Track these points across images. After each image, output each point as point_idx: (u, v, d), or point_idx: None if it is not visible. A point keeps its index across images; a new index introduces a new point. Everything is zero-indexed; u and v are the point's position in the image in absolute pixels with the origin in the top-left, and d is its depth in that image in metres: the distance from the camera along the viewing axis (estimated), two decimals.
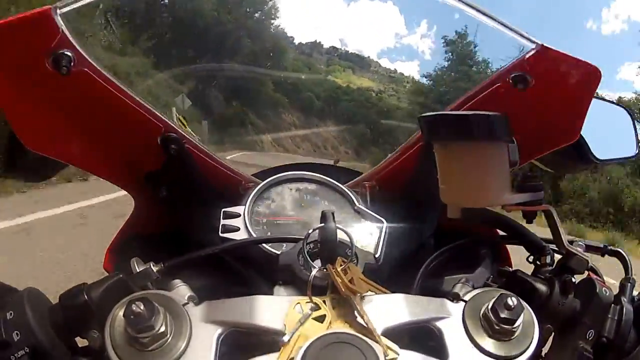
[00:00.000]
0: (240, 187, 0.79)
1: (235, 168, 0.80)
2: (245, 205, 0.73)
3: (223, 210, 0.71)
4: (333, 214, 0.55)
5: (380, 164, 0.81)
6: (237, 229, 0.70)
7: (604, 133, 0.88)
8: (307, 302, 0.49)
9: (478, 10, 0.73)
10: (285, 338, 0.46)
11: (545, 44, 0.64)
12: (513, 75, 0.65)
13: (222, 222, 0.70)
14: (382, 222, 0.72)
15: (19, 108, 0.60)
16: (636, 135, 0.92)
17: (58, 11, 0.56)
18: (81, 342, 0.52)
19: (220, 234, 0.69)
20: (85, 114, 0.64)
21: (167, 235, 0.73)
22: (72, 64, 0.58)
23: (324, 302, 0.49)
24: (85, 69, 0.60)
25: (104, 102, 0.64)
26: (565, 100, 0.67)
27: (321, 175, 0.79)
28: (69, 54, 0.57)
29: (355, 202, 0.76)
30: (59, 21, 0.56)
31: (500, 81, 0.67)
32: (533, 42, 0.65)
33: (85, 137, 0.66)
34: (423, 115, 0.57)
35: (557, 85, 0.65)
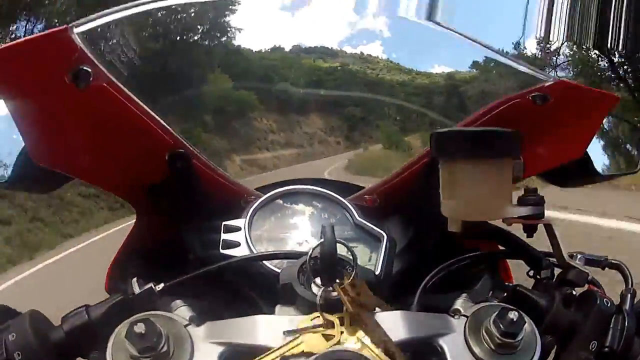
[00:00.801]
0: (242, 201, 0.80)
1: (239, 182, 0.81)
2: (245, 218, 0.73)
3: (224, 223, 0.72)
4: (333, 227, 0.55)
5: (383, 179, 0.82)
6: (238, 245, 0.70)
7: (607, 147, 0.88)
8: (311, 320, 0.50)
9: (496, 52, 0.78)
10: (285, 354, 0.47)
11: (563, 79, 0.67)
12: (533, 95, 0.67)
13: (223, 236, 0.70)
14: (383, 236, 0.72)
15: (31, 122, 0.61)
16: (639, 148, 0.92)
17: (74, 29, 0.58)
18: None
19: (221, 250, 0.69)
20: (98, 128, 0.66)
21: (167, 251, 0.73)
22: (90, 79, 0.59)
23: (329, 319, 0.50)
24: (104, 84, 0.61)
25: (118, 116, 0.65)
26: (579, 120, 0.68)
27: (322, 189, 0.80)
28: (88, 69, 0.59)
29: (356, 215, 0.76)
30: (76, 38, 0.57)
31: (520, 98, 0.68)
32: (550, 78, 0.67)
33: (94, 150, 0.68)
34: (436, 131, 0.59)
35: (573, 104, 0.67)
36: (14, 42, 0.56)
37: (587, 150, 0.78)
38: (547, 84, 0.66)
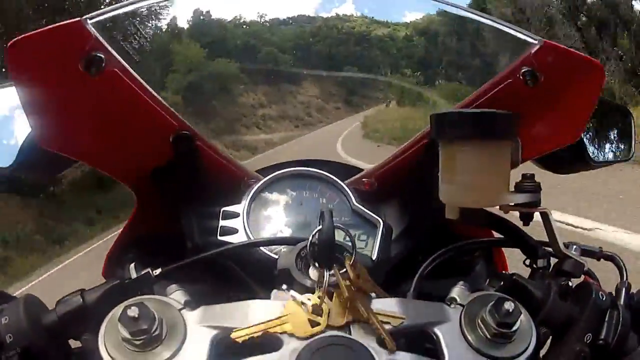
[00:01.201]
0: (242, 184, 0.79)
1: (240, 164, 0.81)
2: (244, 204, 0.73)
3: (222, 209, 0.71)
4: (332, 213, 0.54)
5: (382, 161, 0.82)
6: (236, 231, 0.70)
7: (602, 135, 0.89)
8: (305, 303, 0.49)
9: (477, 14, 0.76)
10: (282, 339, 0.46)
11: (546, 40, 0.65)
12: (523, 70, 0.66)
13: (221, 223, 0.70)
14: (379, 222, 0.72)
15: (41, 107, 0.61)
16: (634, 137, 0.92)
17: (89, 21, 0.59)
18: (76, 345, 0.53)
19: (219, 237, 0.69)
20: (106, 112, 0.66)
21: (166, 237, 0.73)
22: (103, 65, 0.60)
23: (323, 304, 0.49)
24: (115, 69, 0.62)
25: (126, 101, 0.65)
26: (572, 99, 0.67)
27: (320, 172, 0.79)
28: (101, 56, 0.60)
29: (354, 200, 0.76)
30: (91, 28, 0.59)
31: (512, 77, 0.68)
32: (535, 39, 0.65)
33: (100, 134, 0.68)
34: (435, 113, 0.57)
35: (563, 82, 0.66)
36: (31, 32, 0.58)
37: (583, 137, 0.78)
38: (533, 51, 0.65)
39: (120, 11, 0.65)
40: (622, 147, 0.92)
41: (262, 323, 0.47)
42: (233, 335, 0.46)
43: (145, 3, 0.70)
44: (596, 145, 0.87)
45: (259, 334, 0.46)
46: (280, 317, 0.48)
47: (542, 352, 0.53)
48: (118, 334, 0.45)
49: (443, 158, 0.58)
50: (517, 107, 0.61)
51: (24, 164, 0.72)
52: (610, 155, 0.91)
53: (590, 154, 0.83)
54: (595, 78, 0.66)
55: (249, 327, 0.47)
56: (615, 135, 0.91)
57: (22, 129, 0.70)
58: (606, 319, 0.52)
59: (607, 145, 0.91)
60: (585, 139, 0.81)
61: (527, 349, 0.49)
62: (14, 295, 0.55)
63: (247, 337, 0.46)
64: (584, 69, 0.65)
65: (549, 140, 0.73)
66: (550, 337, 0.53)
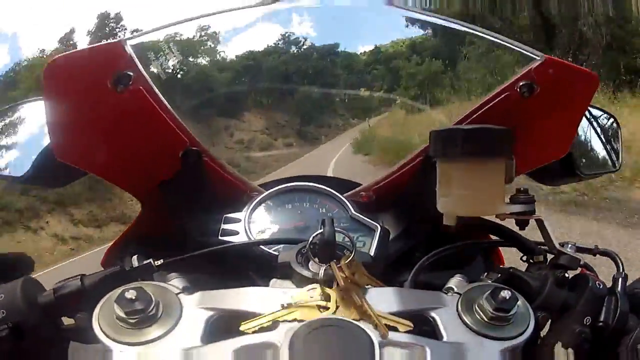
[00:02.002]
0: (245, 196, 0.82)
1: (244, 178, 0.84)
2: (245, 211, 0.76)
3: (224, 215, 0.74)
4: (332, 220, 0.57)
5: (380, 177, 0.85)
6: (237, 233, 0.72)
7: (590, 145, 0.92)
8: (308, 291, 0.51)
9: (483, 33, 0.80)
10: (278, 319, 0.47)
11: (548, 56, 0.69)
12: (521, 84, 0.69)
13: (223, 226, 0.73)
14: (376, 227, 0.74)
15: (64, 122, 0.65)
16: (621, 146, 0.96)
17: (128, 42, 0.64)
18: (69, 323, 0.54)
19: (220, 237, 0.72)
20: (123, 127, 0.69)
21: (168, 237, 0.75)
22: (130, 82, 0.64)
23: (322, 293, 0.50)
24: (140, 87, 0.66)
25: (145, 117, 0.69)
26: (563, 108, 0.70)
27: (320, 186, 0.82)
28: (130, 74, 0.64)
29: (352, 209, 0.79)
30: (128, 48, 0.64)
31: (509, 90, 0.70)
32: (537, 55, 0.69)
33: (113, 148, 0.71)
34: (434, 130, 0.61)
35: (558, 92, 0.69)
36: (70, 51, 0.63)
37: (571, 150, 0.82)
38: (534, 66, 0.68)
39: (160, 34, 0.70)
40: (611, 157, 0.95)
41: (271, 313, 0.48)
42: (242, 327, 0.47)
43: (183, 26, 0.74)
44: (584, 157, 0.91)
45: (269, 323, 0.47)
46: (289, 305, 0.49)
47: (542, 334, 0.53)
48: (113, 313, 0.46)
49: (440, 174, 0.61)
50: (510, 117, 0.64)
51: (37, 175, 0.76)
52: (599, 166, 0.94)
53: (579, 166, 0.86)
54: (588, 87, 0.69)
55: (258, 318, 0.47)
56: (603, 145, 0.94)
57: (38, 142, 0.75)
58: (604, 305, 0.53)
59: (596, 156, 0.94)
60: (573, 151, 0.85)
61: (525, 330, 0.49)
62: None
63: (257, 328, 0.47)
64: (580, 80, 0.69)
65: (540, 154, 0.76)
66: (549, 320, 0.54)
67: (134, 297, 0.46)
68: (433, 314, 0.51)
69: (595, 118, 0.94)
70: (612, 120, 0.98)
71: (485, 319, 0.49)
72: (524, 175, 0.83)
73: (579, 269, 0.62)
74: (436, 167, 0.62)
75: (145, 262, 0.56)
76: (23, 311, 0.49)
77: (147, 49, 0.74)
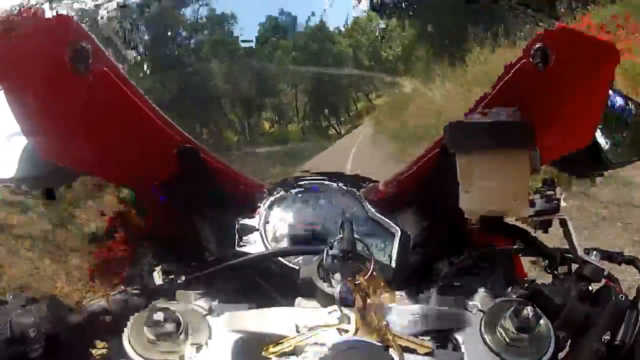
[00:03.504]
0: (256, 196, 0.80)
1: (251, 177, 0.82)
2: (260, 215, 0.75)
3: (240, 222, 0.73)
4: (352, 224, 0.56)
5: (395, 172, 0.82)
6: (254, 242, 0.72)
7: (617, 133, 0.88)
8: (329, 313, 0.51)
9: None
10: (300, 344, 0.48)
11: (561, 23, 0.65)
12: (535, 48, 0.65)
13: (238, 234, 0.72)
14: (397, 231, 0.73)
15: (34, 116, 0.60)
16: None
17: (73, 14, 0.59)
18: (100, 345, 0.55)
19: (237, 248, 0.71)
20: (103, 118, 0.65)
21: (184, 245, 0.75)
22: (90, 60, 0.58)
23: (346, 313, 0.51)
24: (105, 68, 0.60)
25: (122, 106, 0.64)
26: (584, 83, 0.65)
27: (335, 183, 0.81)
28: (86, 46, 0.58)
29: (371, 209, 0.78)
30: (75, 20, 0.58)
31: (524, 57, 0.66)
32: (550, 22, 0.66)
33: (100, 144, 0.67)
34: (449, 123, 0.58)
35: (574, 63, 0.64)
36: (11, 27, 0.56)
37: (596, 138, 0.78)
38: (545, 30, 0.64)
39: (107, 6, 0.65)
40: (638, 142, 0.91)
41: (293, 337, 0.49)
42: (265, 353, 0.48)
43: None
44: (611, 145, 0.87)
45: (291, 348, 0.48)
46: (310, 329, 0.49)
47: (561, 355, 0.54)
48: (143, 335, 0.47)
49: (461, 167, 0.59)
50: (530, 95, 0.61)
51: (27, 176, 0.71)
52: (627, 155, 0.90)
53: (606, 154, 0.83)
54: (609, 60, 0.63)
55: (281, 342, 0.48)
56: (630, 132, 0.90)
57: (18, 138, 0.66)
58: (625, 320, 0.53)
59: (623, 144, 0.90)
60: (599, 139, 0.81)
61: (545, 352, 0.50)
62: None
63: (280, 353, 0.48)
64: (597, 51, 0.63)
65: (564, 142, 0.73)
66: (569, 340, 0.54)
67: (162, 319, 0.47)
68: (456, 335, 0.51)
69: (620, 102, 0.89)
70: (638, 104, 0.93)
71: (507, 340, 0.50)
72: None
73: (604, 280, 0.61)
74: (455, 160, 0.60)
75: (168, 279, 0.57)
76: (54, 332, 0.50)
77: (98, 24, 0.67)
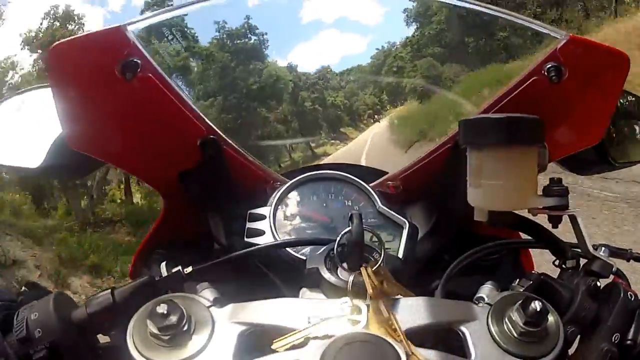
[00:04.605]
0: (267, 187, 0.80)
1: (266, 168, 0.81)
2: (270, 206, 0.74)
3: (249, 212, 0.73)
4: (361, 216, 0.55)
5: (407, 165, 0.82)
6: (263, 233, 0.71)
7: (624, 133, 0.88)
8: (340, 304, 0.50)
9: (502, 12, 0.75)
10: (309, 336, 0.46)
11: (572, 34, 0.65)
12: (548, 66, 0.66)
13: (248, 225, 0.71)
14: (405, 223, 0.72)
15: (74, 109, 0.64)
16: None
17: (128, 27, 0.62)
18: (104, 340, 0.54)
19: (246, 239, 0.70)
20: (137, 116, 0.68)
21: (193, 240, 0.74)
22: (138, 70, 0.63)
23: (356, 304, 0.50)
24: (149, 74, 0.64)
25: (158, 105, 0.67)
26: (596, 92, 0.67)
27: (346, 174, 0.80)
28: (137, 61, 0.63)
29: (379, 202, 0.77)
30: (130, 34, 0.62)
31: (536, 74, 0.67)
32: (560, 33, 0.65)
33: (129, 137, 0.69)
34: (464, 119, 0.58)
35: (588, 75, 0.66)
36: (71, 37, 0.61)
37: (604, 137, 0.78)
38: (559, 46, 0.65)
39: (160, 18, 0.67)
40: None
41: (303, 329, 0.47)
42: (274, 346, 0.46)
43: (183, 11, 0.72)
44: (618, 145, 0.87)
45: (301, 340, 0.47)
46: (321, 320, 0.48)
47: (570, 350, 0.53)
48: (146, 329, 0.46)
49: (471, 163, 0.59)
50: (541, 105, 0.61)
51: (53, 166, 0.74)
52: (633, 155, 0.91)
53: (613, 154, 0.83)
54: (619, 68, 0.65)
55: (290, 335, 0.47)
56: (637, 131, 0.90)
57: (51, 130, 0.72)
58: (635, 319, 0.52)
59: (630, 144, 0.90)
60: (606, 139, 0.81)
61: (554, 348, 0.49)
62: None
63: (289, 346, 0.46)
64: (610, 60, 0.65)
65: (573, 141, 0.73)
66: (579, 335, 0.53)
67: (165, 312, 0.45)
68: (463, 329, 0.50)
69: (628, 103, 0.90)
70: None
71: (515, 334, 0.49)
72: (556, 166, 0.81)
73: (612, 277, 0.60)
74: (466, 156, 0.59)
75: (174, 270, 0.56)
76: (58, 330, 0.48)
77: (150, 34, 0.72)
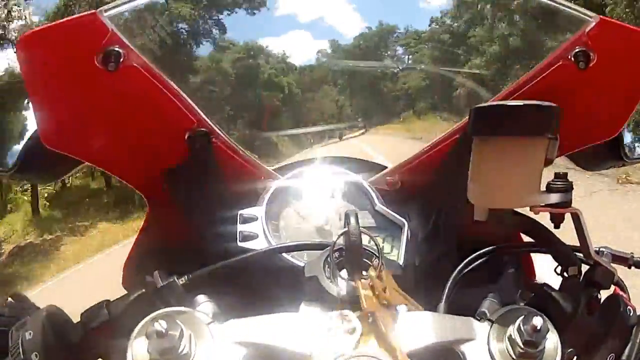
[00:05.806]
0: (259, 183, 0.76)
1: (258, 162, 0.77)
2: (262, 206, 0.71)
3: (240, 213, 0.69)
4: (357, 215, 0.53)
5: (407, 159, 0.79)
6: (256, 236, 0.68)
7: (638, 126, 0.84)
8: (336, 318, 0.49)
9: None
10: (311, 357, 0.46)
11: (602, 17, 0.61)
12: (575, 51, 0.62)
13: (240, 228, 0.68)
14: (404, 224, 0.70)
15: (51, 105, 0.60)
16: None
17: (104, 13, 0.58)
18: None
19: (239, 243, 0.67)
20: (120, 110, 0.64)
21: (184, 244, 0.71)
22: (121, 60, 0.59)
23: (353, 316, 0.49)
24: (134, 64, 0.60)
25: (144, 96, 0.63)
26: (623, 80, 0.64)
27: (341, 170, 0.77)
28: (119, 50, 0.59)
29: (377, 201, 0.74)
30: (107, 21, 0.57)
31: (561, 59, 0.63)
32: (590, 15, 0.61)
33: (110, 134, 0.65)
34: (476, 106, 0.55)
35: (617, 62, 0.62)
36: (43, 26, 0.57)
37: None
38: (588, 29, 0.61)
39: (136, 3, 0.62)
40: None
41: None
42: None
43: None
44: (633, 140, 0.83)
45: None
46: (313, 335, 0.48)
47: None
48: (146, 351, 0.45)
49: (475, 155, 0.56)
50: (564, 92, 0.58)
51: (27, 166, 0.69)
52: None
53: (626, 149, 0.79)
54: None
55: None
56: None
57: (25, 128, 0.68)
58: (631, 338, 0.52)
59: None
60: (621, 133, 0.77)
61: None
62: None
63: None
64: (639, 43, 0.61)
65: (589, 134, 0.69)
66: (575, 357, 0.54)
67: (163, 330, 0.44)
68: (462, 349, 0.50)
69: None
70: None
71: (514, 355, 0.49)
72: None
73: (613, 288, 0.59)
74: (470, 150, 0.57)
75: (168, 281, 0.54)
76: (56, 353, 0.47)
77: (131, 20, 0.67)
